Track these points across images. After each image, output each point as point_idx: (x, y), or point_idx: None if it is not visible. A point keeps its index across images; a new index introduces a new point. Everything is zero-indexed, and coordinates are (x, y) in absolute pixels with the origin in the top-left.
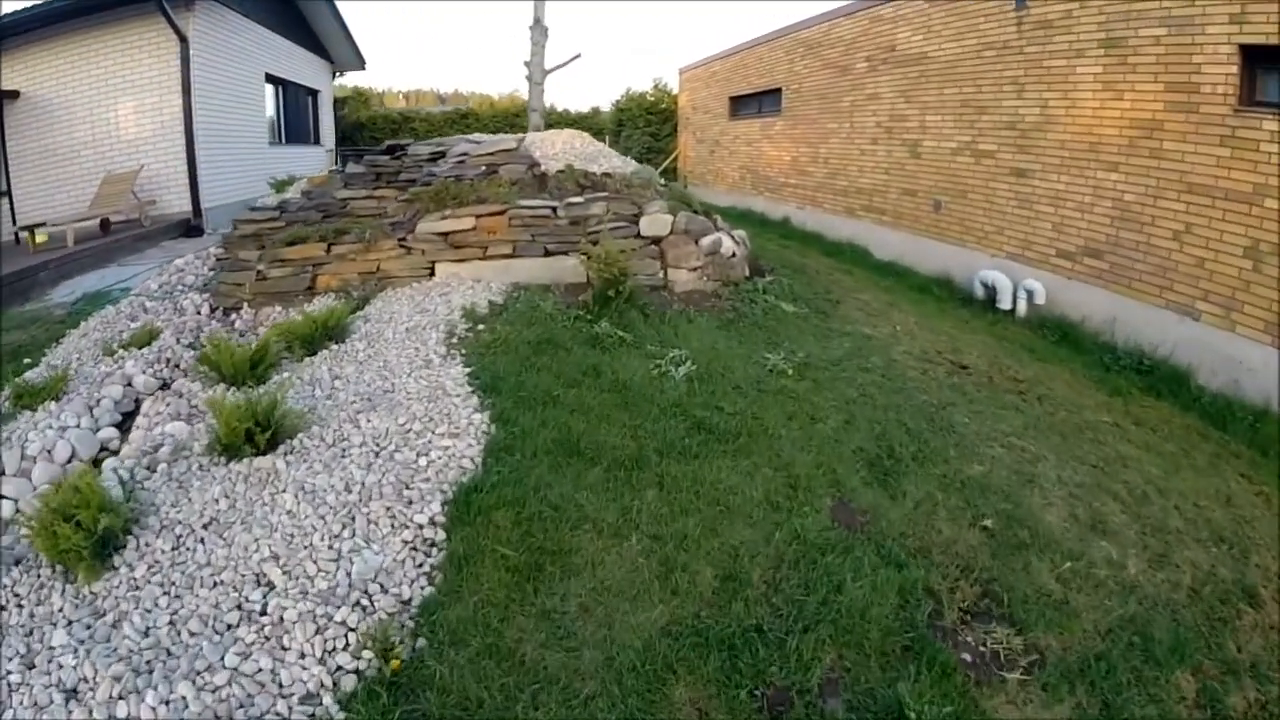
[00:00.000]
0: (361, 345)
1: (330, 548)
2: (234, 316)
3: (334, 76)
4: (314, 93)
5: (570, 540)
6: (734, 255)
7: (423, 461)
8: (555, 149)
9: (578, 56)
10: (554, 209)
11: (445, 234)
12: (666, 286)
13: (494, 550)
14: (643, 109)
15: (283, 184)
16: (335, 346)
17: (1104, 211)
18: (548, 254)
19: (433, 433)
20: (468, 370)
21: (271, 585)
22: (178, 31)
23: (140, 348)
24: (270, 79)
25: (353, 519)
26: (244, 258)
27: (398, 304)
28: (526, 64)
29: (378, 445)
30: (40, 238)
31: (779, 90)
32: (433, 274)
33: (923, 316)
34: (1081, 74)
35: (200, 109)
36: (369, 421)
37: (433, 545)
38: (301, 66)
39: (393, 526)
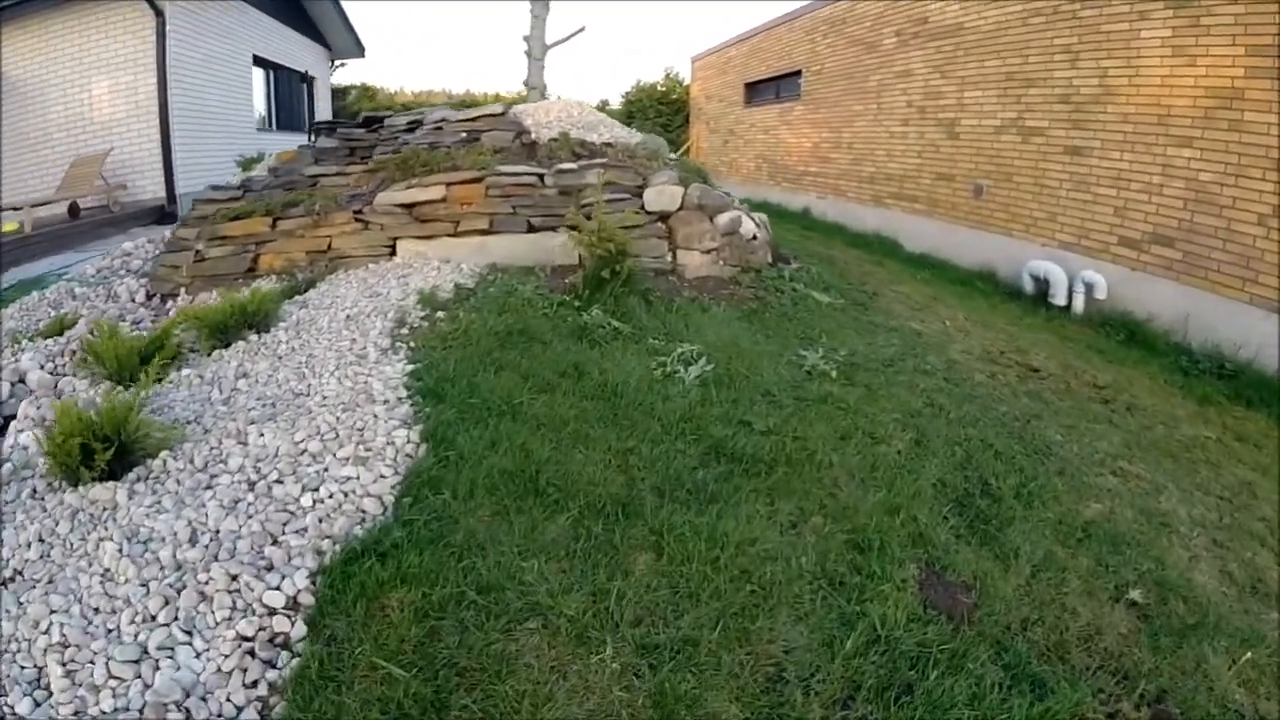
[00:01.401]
0: (286, 336)
1: (136, 639)
2: (170, 303)
3: (332, 64)
4: (309, 79)
5: (503, 652)
6: (755, 238)
7: (306, 500)
8: (549, 116)
9: (582, 30)
10: (540, 176)
11: (409, 206)
12: (675, 271)
13: (373, 666)
14: (653, 100)
15: (250, 161)
16: (255, 337)
17: (1175, 193)
18: (532, 229)
19: (333, 455)
20: (410, 368)
21: (49, 691)
22: (153, 4)
23: (49, 339)
24: (259, 61)
25: (179, 591)
26: (182, 236)
27: (345, 287)
28: (526, 39)
29: (258, 472)
30: (9, 225)
31: (798, 73)
32: (394, 253)
33: (971, 312)
34: (1146, 38)
35: (176, 88)
36: (260, 437)
37: (283, 646)
38: (295, 51)
39: (232, 609)
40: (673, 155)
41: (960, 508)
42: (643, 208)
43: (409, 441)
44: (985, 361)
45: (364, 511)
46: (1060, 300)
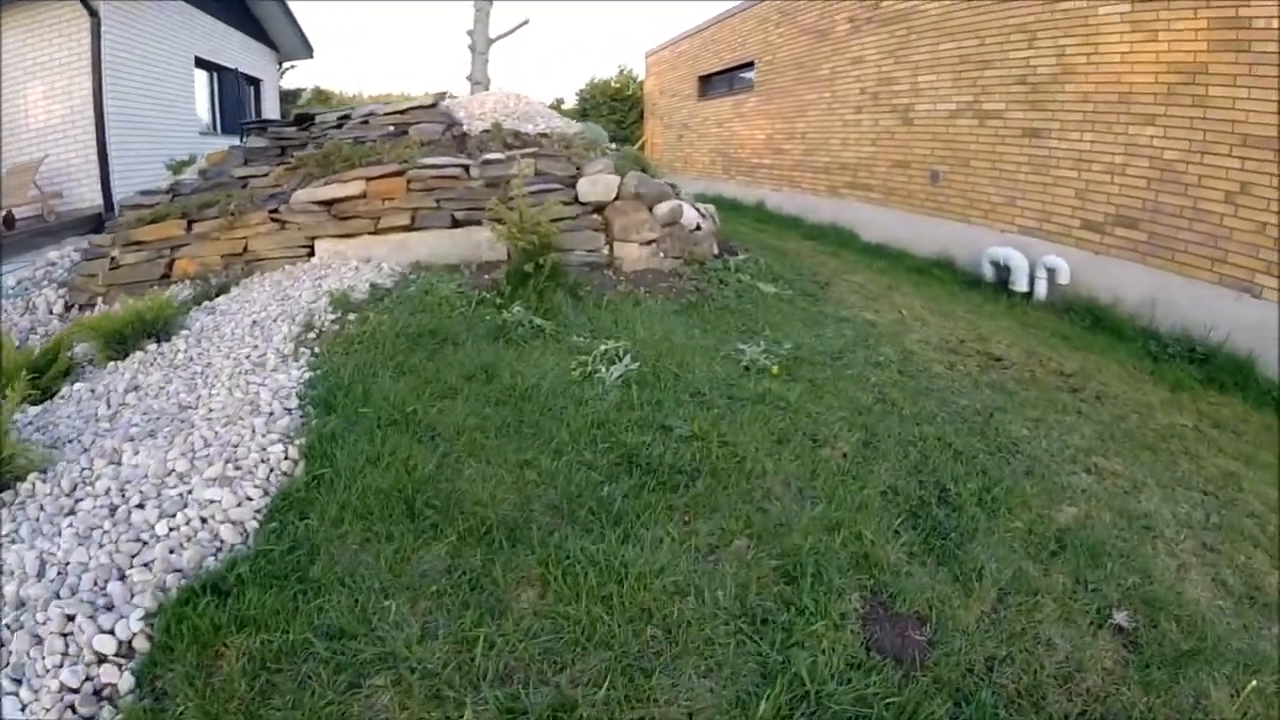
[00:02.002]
0: (186, 345)
1: None
2: (88, 314)
3: (280, 66)
4: (256, 81)
5: (342, 715)
6: (698, 228)
7: (162, 527)
8: (484, 108)
9: (525, 23)
10: (465, 168)
11: (328, 203)
12: (612, 264)
13: None
14: (607, 97)
15: (181, 164)
16: (154, 347)
17: (1139, 173)
18: (456, 224)
19: (200, 475)
20: (307, 375)
21: None
22: (87, 5)
23: None
24: (202, 64)
25: (15, 633)
26: (99, 243)
27: (258, 290)
28: (469, 33)
29: (123, 495)
30: None
31: (751, 64)
32: (313, 254)
33: (929, 300)
34: (1105, 14)
35: (113, 92)
36: (135, 455)
37: (109, 700)
38: (240, 53)
39: (63, 654)
40: (613, 145)
41: (914, 519)
42: (576, 198)
43: (285, 458)
44: (943, 351)
45: (220, 540)
46: (1022, 287)
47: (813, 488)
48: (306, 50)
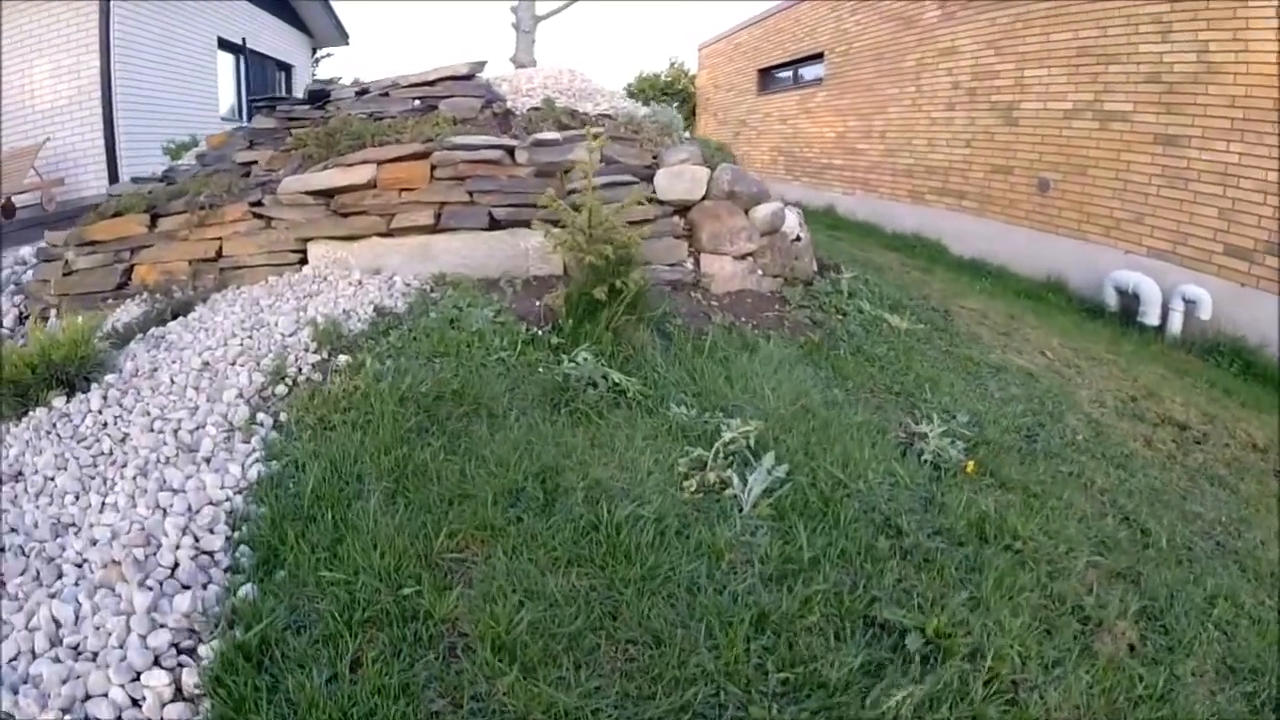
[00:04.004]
0: (102, 401)
1: None
2: (43, 325)
3: (314, 53)
4: (287, 67)
5: None
6: (799, 239)
7: None
8: (533, 84)
9: None
10: (509, 151)
11: (325, 193)
12: (699, 284)
13: None
14: (657, 91)
15: (179, 148)
16: (61, 403)
17: None
18: (495, 225)
19: None
20: (253, 474)
21: None
22: None
23: None
24: (226, 46)
25: None
26: (52, 241)
27: (224, 313)
28: (514, 9)
29: None
30: None
31: (821, 56)
32: (305, 260)
33: (1062, 336)
34: (1259, 7)
35: (123, 71)
36: None
37: None
38: (270, 36)
39: None
40: (688, 134)
41: None
42: (653, 195)
43: (161, 701)
44: (1127, 419)
45: None
46: (1152, 320)
47: None
48: (342, 37)
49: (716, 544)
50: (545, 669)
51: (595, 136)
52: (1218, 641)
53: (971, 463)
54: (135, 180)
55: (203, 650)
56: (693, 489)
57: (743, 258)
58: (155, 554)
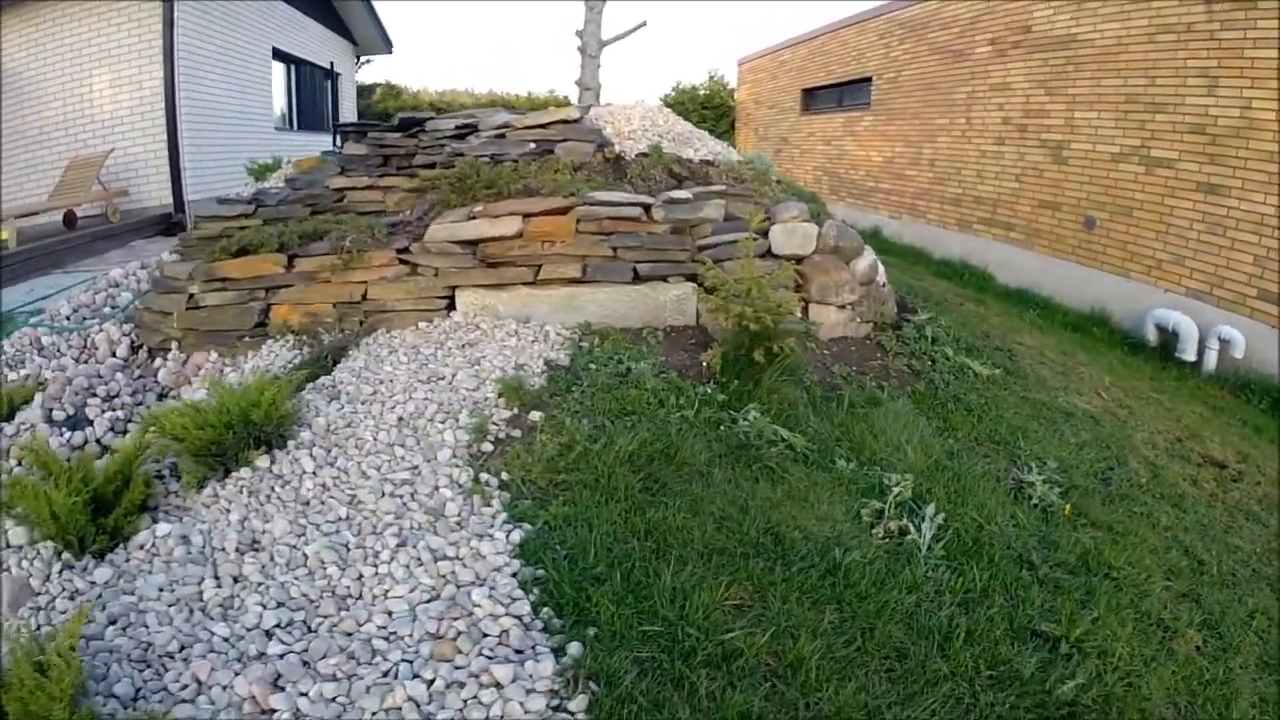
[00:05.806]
0: (313, 462)
1: None
2: (159, 362)
3: (358, 60)
4: (333, 75)
5: None
6: (885, 285)
7: None
8: (632, 125)
9: (643, 25)
10: (647, 208)
11: (473, 243)
12: (809, 332)
13: None
14: (696, 104)
15: (264, 169)
16: (265, 463)
17: None
18: (637, 279)
19: None
20: (515, 538)
21: None
22: None
23: None
24: (279, 55)
25: None
26: (172, 275)
27: (392, 363)
28: (579, 34)
29: None
30: (3, 234)
31: (868, 80)
32: (452, 306)
33: (1112, 375)
34: None
35: (186, 82)
36: None
37: None
38: (318, 45)
39: None
40: (777, 179)
41: None
42: (769, 250)
43: None
44: (1175, 459)
45: None
46: (1189, 356)
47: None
48: (385, 45)
49: (915, 580)
50: (838, 682)
51: (718, 196)
52: (1257, 645)
53: (1068, 506)
54: (221, 201)
55: (572, 706)
56: (880, 535)
57: (843, 307)
58: (477, 624)
